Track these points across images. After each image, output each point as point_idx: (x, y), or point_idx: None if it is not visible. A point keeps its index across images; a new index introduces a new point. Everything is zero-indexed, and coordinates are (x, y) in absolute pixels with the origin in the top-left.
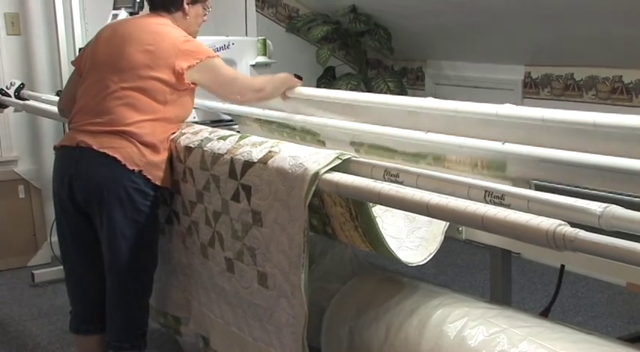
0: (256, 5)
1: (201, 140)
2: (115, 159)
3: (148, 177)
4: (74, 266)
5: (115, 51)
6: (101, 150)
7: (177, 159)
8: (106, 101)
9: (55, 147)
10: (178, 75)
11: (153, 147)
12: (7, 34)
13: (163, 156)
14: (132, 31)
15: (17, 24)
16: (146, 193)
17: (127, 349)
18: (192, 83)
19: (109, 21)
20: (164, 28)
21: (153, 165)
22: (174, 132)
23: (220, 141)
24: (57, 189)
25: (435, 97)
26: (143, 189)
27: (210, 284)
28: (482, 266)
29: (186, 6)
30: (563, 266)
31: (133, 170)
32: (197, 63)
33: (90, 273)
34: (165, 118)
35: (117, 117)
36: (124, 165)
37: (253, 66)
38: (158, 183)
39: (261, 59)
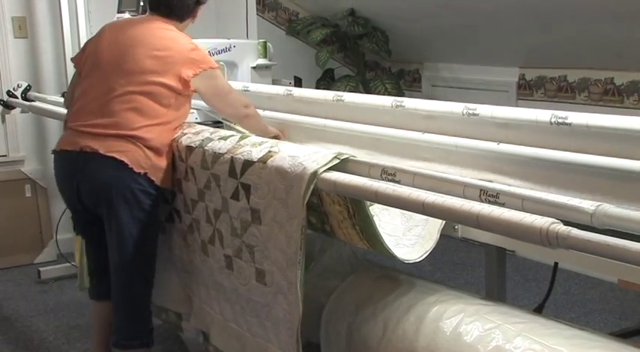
0: (257, 9)
1: (203, 140)
2: (122, 162)
3: (152, 178)
4: (90, 248)
5: (121, 52)
6: (108, 154)
7: (179, 158)
8: (111, 104)
9: (54, 151)
10: (185, 82)
11: (157, 151)
12: (15, 37)
13: (166, 158)
14: (140, 34)
15: (24, 27)
16: (150, 194)
17: (136, 346)
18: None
19: None
20: (172, 33)
21: (157, 168)
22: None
23: (221, 141)
24: (65, 193)
25: (432, 98)
26: (148, 190)
27: (211, 281)
28: (477, 264)
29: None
30: (556, 263)
31: (139, 172)
32: (201, 71)
33: (105, 253)
34: (168, 122)
35: (123, 121)
36: (131, 168)
37: (254, 68)
38: (161, 184)
39: (262, 61)
